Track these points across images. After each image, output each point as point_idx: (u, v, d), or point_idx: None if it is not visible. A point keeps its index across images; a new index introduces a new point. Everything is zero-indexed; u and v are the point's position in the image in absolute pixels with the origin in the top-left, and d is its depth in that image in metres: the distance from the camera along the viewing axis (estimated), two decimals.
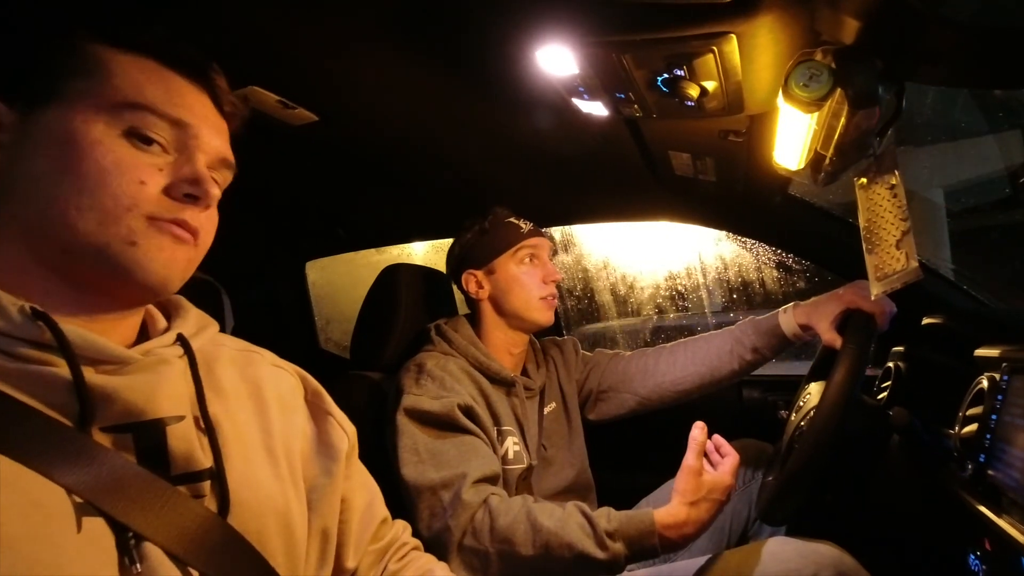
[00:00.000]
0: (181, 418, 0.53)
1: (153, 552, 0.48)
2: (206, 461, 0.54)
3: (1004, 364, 0.80)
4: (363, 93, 0.95)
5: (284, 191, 1.45)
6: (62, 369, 0.47)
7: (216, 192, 0.56)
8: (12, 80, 0.51)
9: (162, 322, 0.60)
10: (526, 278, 1.21)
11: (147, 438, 0.51)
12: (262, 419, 0.62)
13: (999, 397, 0.78)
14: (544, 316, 1.22)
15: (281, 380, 0.67)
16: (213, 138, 0.57)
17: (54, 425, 0.47)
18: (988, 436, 0.78)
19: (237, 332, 0.73)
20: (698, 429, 0.96)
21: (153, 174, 0.52)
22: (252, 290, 1.97)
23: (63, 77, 0.51)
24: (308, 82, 0.90)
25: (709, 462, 0.98)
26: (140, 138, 0.52)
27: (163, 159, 0.53)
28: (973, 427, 0.82)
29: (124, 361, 0.51)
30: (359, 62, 0.84)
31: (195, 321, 0.62)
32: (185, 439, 0.52)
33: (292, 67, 0.85)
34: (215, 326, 0.64)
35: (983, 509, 0.74)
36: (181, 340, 0.58)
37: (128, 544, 0.47)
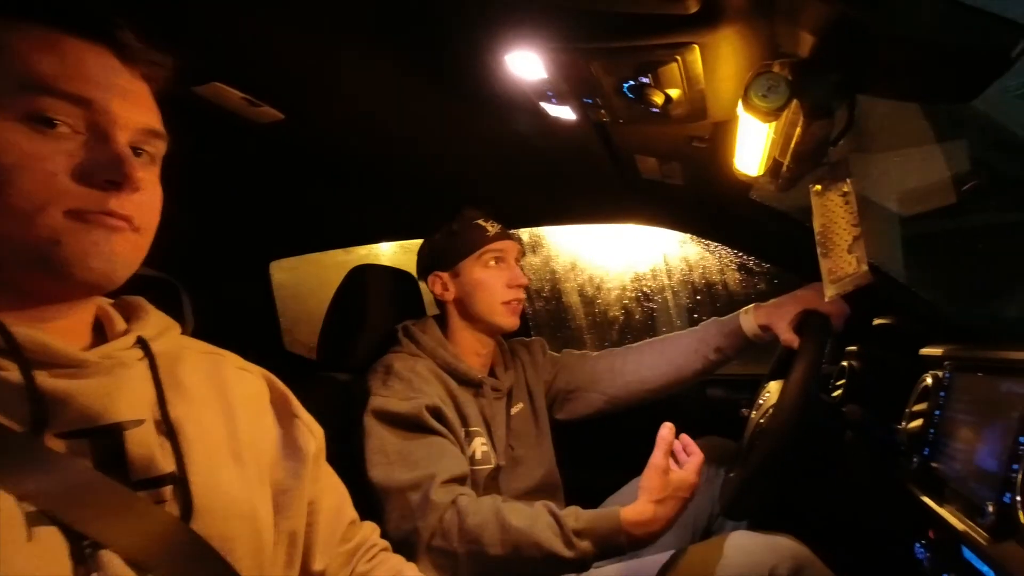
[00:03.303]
0: (140, 422, 0.51)
1: (111, 560, 0.47)
2: (168, 465, 0.53)
3: (947, 362, 0.84)
4: (331, 93, 0.94)
5: (248, 189, 1.42)
6: (13, 373, 0.46)
7: (141, 175, 0.49)
8: None
9: (121, 324, 0.58)
10: (490, 282, 1.20)
11: (104, 443, 0.49)
12: (228, 421, 0.61)
13: (942, 394, 0.83)
14: (508, 321, 1.21)
15: (247, 383, 0.66)
16: (129, 109, 0.50)
17: (4, 431, 0.45)
18: (932, 431, 0.82)
19: (198, 333, 0.71)
20: (666, 429, 0.97)
21: (63, 162, 0.46)
22: (214, 290, 1.92)
23: None
24: (274, 80, 0.89)
25: (675, 461, 1.01)
26: (40, 122, 0.46)
27: (72, 142, 0.47)
28: (919, 422, 0.86)
29: (79, 364, 0.49)
30: (327, 61, 0.83)
31: (156, 323, 0.60)
32: (144, 443, 0.51)
33: (257, 64, 0.84)
34: (177, 328, 0.63)
35: (927, 500, 0.78)
36: (141, 342, 0.56)
37: (84, 553, 0.45)
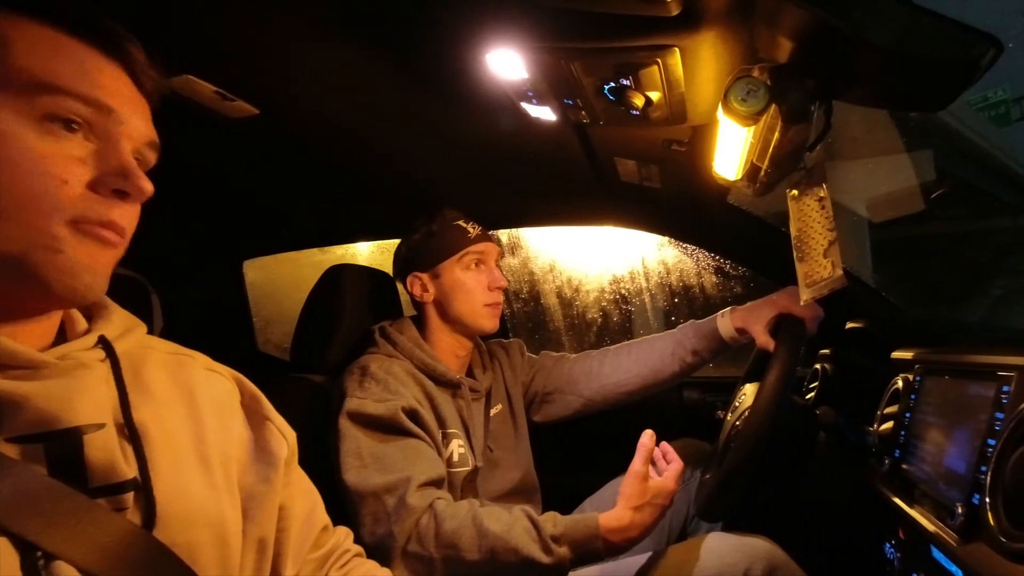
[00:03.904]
0: (101, 426, 0.49)
1: (66, 572, 0.45)
2: (130, 471, 0.51)
3: (917, 366, 0.86)
4: (307, 87, 0.92)
5: (221, 186, 1.39)
6: None
7: (150, 187, 0.50)
8: None
9: (82, 323, 0.56)
10: (471, 284, 1.19)
11: (60, 448, 0.47)
12: (195, 425, 0.59)
13: (912, 396, 0.84)
14: (489, 323, 1.21)
15: (215, 384, 0.64)
16: (138, 121, 0.51)
17: None
18: (903, 433, 0.84)
19: (167, 334, 0.69)
20: (647, 436, 0.97)
21: (76, 169, 0.46)
22: (185, 289, 1.88)
23: None
24: (248, 73, 0.87)
25: (655, 468, 1.00)
26: (58, 123, 0.45)
27: (86, 148, 0.47)
28: (890, 424, 0.88)
29: (36, 366, 0.47)
30: (304, 54, 0.82)
31: (120, 322, 0.58)
32: (105, 448, 0.49)
33: (231, 56, 0.82)
34: (142, 327, 0.60)
35: (898, 501, 0.80)
36: (103, 342, 0.54)
37: (36, 564, 0.43)
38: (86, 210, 0.46)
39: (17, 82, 0.44)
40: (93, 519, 0.47)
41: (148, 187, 0.49)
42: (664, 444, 1.04)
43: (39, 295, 0.47)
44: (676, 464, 1.00)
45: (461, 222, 1.21)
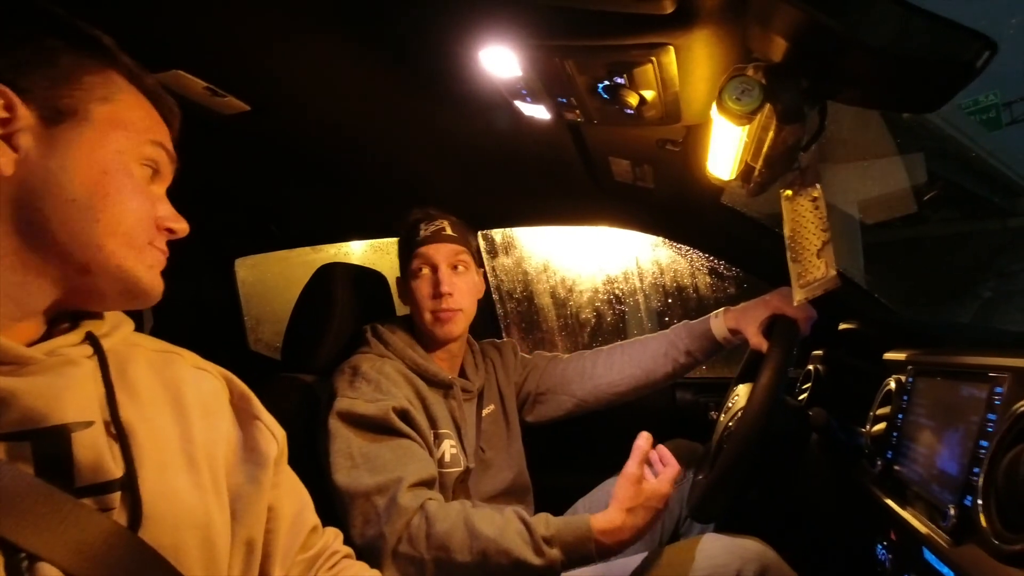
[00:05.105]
0: (89, 424, 0.49)
1: (50, 574, 0.44)
2: (117, 471, 0.50)
3: (910, 367, 0.86)
4: (299, 84, 0.91)
5: (212, 183, 1.37)
6: None
7: (187, 228, 0.60)
8: (39, 87, 0.49)
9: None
10: (417, 291, 1.14)
11: (47, 446, 0.46)
12: (182, 424, 0.58)
13: (905, 397, 0.84)
14: (440, 330, 1.14)
15: (203, 383, 0.63)
16: (173, 168, 0.61)
17: None
18: (895, 434, 0.84)
19: (158, 333, 0.68)
20: (643, 439, 0.96)
21: (158, 206, 0.56)
22: (175, 288, 1.86)
23: (91, 99, 0.51)
24: (239, 69, 0.86)
25: (651, 470, 1.00)
26: (150, 169, 0.56)
27: (158, 191, 0.58)
28: (882, 426, 0.88)
29: (23, 361, 0.47)
30: (295, 50, 0.81)
31: (107, 319, 0.57)
32: (93, 447, 0.48)
33: (222, 52, 0.81)
34: (130, 324, 0.60)
35: (890, 502, 0.79)
36: (90, 339, 0.53)
37: (20, 566, 0.43)
38: (157, 239, 0.56)
39: (131, 128, 0.54)
40: (77, 520, 0.46)
41: (187, 228, 0.59)
42: (660, 447, 1.03)
43: (128, 300, 0.56)
44: (671, 467, 0.99)
45: (423, 223, 1.16)
